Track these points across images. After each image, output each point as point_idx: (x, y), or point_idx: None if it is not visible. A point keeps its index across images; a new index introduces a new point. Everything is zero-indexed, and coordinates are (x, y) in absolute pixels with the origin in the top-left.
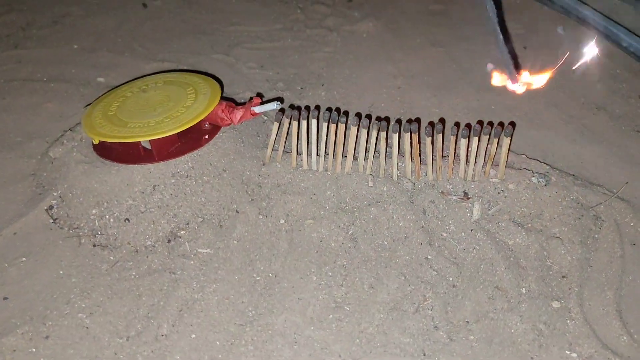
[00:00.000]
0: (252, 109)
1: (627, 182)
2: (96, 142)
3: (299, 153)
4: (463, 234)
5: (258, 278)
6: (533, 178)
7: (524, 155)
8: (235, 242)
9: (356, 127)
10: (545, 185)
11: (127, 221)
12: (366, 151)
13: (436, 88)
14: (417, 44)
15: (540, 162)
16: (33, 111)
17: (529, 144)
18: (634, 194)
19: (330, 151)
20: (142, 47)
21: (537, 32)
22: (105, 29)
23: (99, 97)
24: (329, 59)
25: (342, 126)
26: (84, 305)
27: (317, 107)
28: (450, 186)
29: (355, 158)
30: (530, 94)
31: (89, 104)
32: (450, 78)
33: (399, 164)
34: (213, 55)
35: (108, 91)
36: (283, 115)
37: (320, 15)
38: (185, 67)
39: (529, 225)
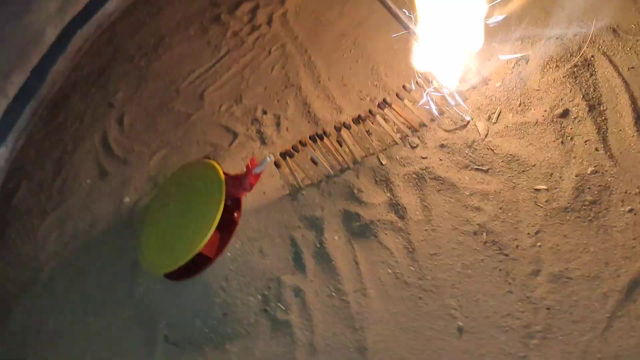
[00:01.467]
0: (253, 172)
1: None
2: (162, 275)
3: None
4: (483, 155)
5: (347, 299)
6: (512, 66)
7: (494, 44)
8: (313, 278)
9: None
10: (527, 63)
11: (225, 315)
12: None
13: (386, 24)
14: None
15: (510, 41)
16: (98, 260)
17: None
18: (607, 14)
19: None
20: (136, 146)
21: None
22: (97, 150)
23: (137, 225)
24: (282, 54)
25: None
26: None
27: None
28: (449, 119)
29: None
30: None
31: (134, 243)
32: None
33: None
34: (192, 118)
35: (137, 224)
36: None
37: (250, 14)
38: (176, 143)
39: (532, 111)
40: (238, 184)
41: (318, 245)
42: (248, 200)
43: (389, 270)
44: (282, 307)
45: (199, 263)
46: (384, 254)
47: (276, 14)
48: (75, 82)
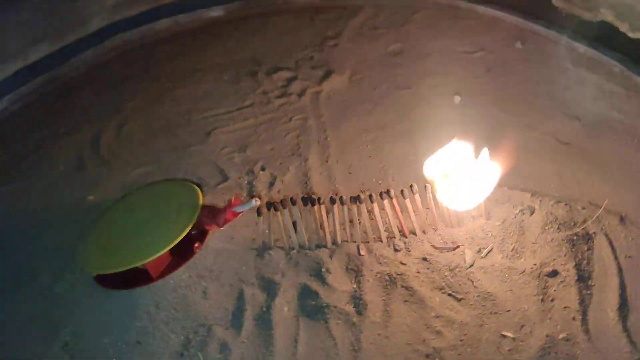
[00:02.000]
0: (233, 209)
1: (607, 198)
2: (93, 275)
3: (288, 236)
4: (460, 283)
5: None
6: (517, 211)
7: (505, 188)
8: (245, 339)
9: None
10: (531, 215)
11: (138, 344)
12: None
13: (408, 134)
14: (382, 91)
15: (521, 192)
16: (33, 244)
17: (506, 175)
18: (620, 203)
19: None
20: (124, 154)
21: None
22: (85, 144)
23: (92, 223)
24: (302, 126)
25: (322, 208)
26: None
27: (294, 198)
28: (440, 237)
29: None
30: (500, 120)
31: (83, 234)
32: (421, 120)
33: (385, 226)
34: (191, 148)
35: (98, 215)
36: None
37: (285, 82)
38: (165, 165)
39: (521, 260)
40: (212, 216)
41: (264, 309)
42: (214, 237)
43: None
44: (201, 358)
45: (137, 278)
46: (328, 343)
47: (310, 90)
48: (95, 77)
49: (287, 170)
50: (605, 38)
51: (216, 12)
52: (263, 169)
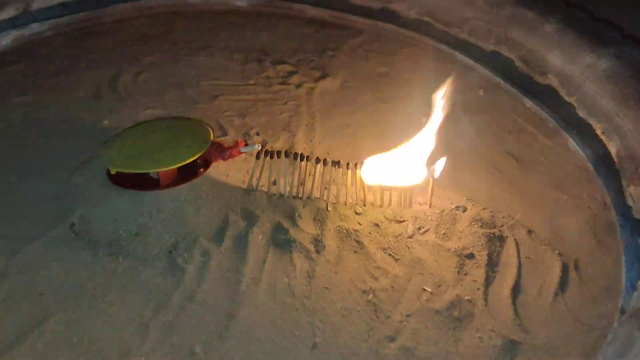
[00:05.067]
0: (239, 149)
1: (521, 213)
2: (113, 172)
3: (274, 183)
4: (400, 248)
5: (242, 279)
6: (453, 206)
7: (448, 190)
8: (223, 251)
9: (317, 165)
10: (463, 212)
11: (136, 235)
12: (326, 183)
13: (381, 136)
14: (366, 100)
15: (460, 196)
16: (51, 146)
17: (452, 182)
18: (529, 220)
19: (298, 184)
20: (138, 96)
21: None
22: (105, 80)
23: (115, 136)
24: (295, 110)
25: (308, 164)
26: (105, 299)
27: (288, 151)
28: (391, 211)
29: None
30: (454, 140)
31: (106, 141)
32: (392, 128)
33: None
34: (198, 105)
35: (120, 132)
36: (262, 156)
37: (286, 74)
38: (173, 112)
39: (449, 242)
40: (220, 150)
41: (243, 233)
42: (214, 171)
43: (286, 279)
44: (186, 257)
45: (148, 184)
46: (289, 268)
47: (307, 84)
48: (119, 29)
49: (277, 140)
50: (548, 99)
51: (241, 2)
52: (257, 134)
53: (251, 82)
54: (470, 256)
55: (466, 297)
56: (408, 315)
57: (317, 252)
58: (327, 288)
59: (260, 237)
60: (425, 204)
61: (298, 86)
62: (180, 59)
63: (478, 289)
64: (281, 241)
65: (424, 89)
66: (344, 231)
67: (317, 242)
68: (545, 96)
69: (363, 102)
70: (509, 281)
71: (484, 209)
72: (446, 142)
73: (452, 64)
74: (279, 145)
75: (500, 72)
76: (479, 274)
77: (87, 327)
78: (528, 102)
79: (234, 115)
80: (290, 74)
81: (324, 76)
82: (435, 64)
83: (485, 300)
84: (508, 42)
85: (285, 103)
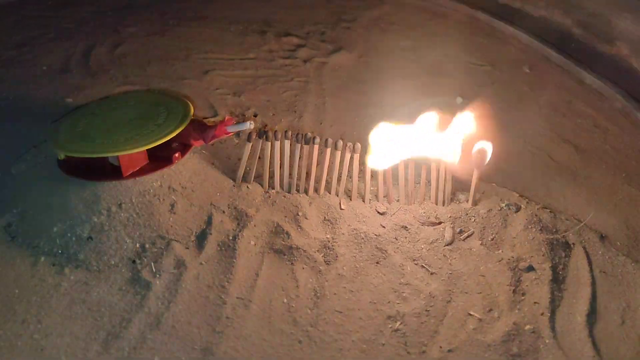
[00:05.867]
0: (226, 127)
1: (592, 213)
2: (61, 157)
3: (270, 176)
4: (435, 258)
5: (226, 300)
6: (503, 205)
7: (494, 184)
8: (203, 262)
9: (329, 149)
10: (516, 212)
11: (89, 239)
12: (339, 174)
13: (404, 118)
14: (388, 77)
15: (510, 191)
16: (4, 132)
17: (498, 174)
18: (600, 223)
19: (303, 174)
20: (113, 70)
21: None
22: (76, 52)
23: (67, 114)
24: (302, 87)
25: (315, 148)
26: (39, 326)
27: (289, 131)
28: (422, 211)
29: (327, 181)
30: (498, 126)
31: (56, 120)
32: (418, 109)
33: (371, 187)
34: (185, 81)
35: (76, 108)
36: (256, 136)
37: (293, 47)
38: (154, 88)
39: (500, 251)
40: (201, 130)
41: (230, 238)
42: (195, 155)
43: (285, 300)
44: (154, 269)
45: (105, 172)
46: (289, 284)
47: (317, 59)
48: None
49: (279, 122)
50: (615, 73)
51: None
52: (255, 115)
53: (250, 55)
54: (529, 269)
55: (527, 326)
56: (450, 351)
57: (327, 263)
58: (339, 312)
59: (252, 243)
60: (467, 201)
61: (306, 61)
62: (167, 29)
63: (542, 315)
64: (280, 248)
65: (455, 66)
66: (362, 235)
67: (327, 249)
68: (611, 69)
69: (383, 80)
70: (582, 304)
71: (542, 208)
72: (489, 128)
73: (490, 37)
74: (281, 128)
75: (551, 42)
76: (542, 293)
77: None
78: (588, 78)
79: (228, 93)
80: (297, 47)
81: (337, 49)
82: (469, 37)
83: (553, 330)
84: (563, 4)
85: (291, 80)
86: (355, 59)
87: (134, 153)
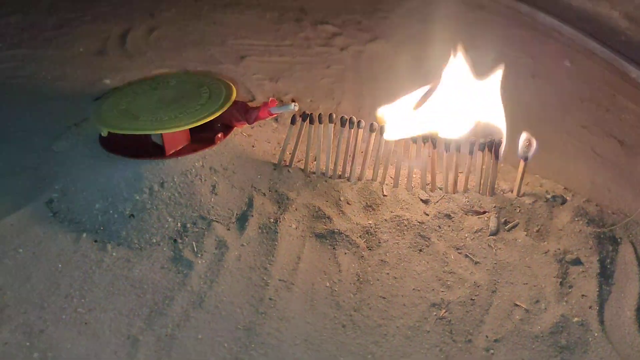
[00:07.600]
0: (269, 109)
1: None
2: (104, 133)
3: (313, 159)
4: (480, 247)
5: (269, 281)
6: (549, 196)
7: (538, 176)
8: (245, 243)
9: (373, 135)
10: (562, 204)
11: (131, 217)
12: (382, 160)
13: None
14: (429, 67)
15: (554, 182)
16: (36, 108)
17: (542, 166)
18: None
19: (346, 158)
20: (149, 53)
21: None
22: (112, 35)
23: (108, 92)
24: (339, 75)
25: (359, 132)
26: (83, 301)
27: (333, 114)
28: (466, 200)
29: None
30: (540, 119)
31: (98, 98)
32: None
33: (414, 174)
34: (221, 65)
35: (118, 87)
36: (299, 119)
37: (329, 35)
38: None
39: (546, 242)
40: (243, 111)
41: (271, 220)
42: (237, 137)
43: (327, 284)
44: (195, 248)
45: (148, 150)
46: (332, 268)
47: (354, 47)
48: None
49: (318, 109)
50: None
51: None
52: (293, 100)
53: (286, 42)
54: (576, 262)
55: (575, 319)
56: (496, 340)
57: (370, 248)
58: (383, 298)
59: (294, 226)
60: (512, 191)
61: (343, 49)
62: (202, 15)
63: (590, 308)
64: (322, 233)
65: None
66: (405, 222)
67: (370, 235)
68: None
69: (422, 69)
70: (631, 299)
71: (588, 201)
72: (532, 121)
73: (530, 29)
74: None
75: (595, 35)
76: (590, 286)
77: (54, 339)
78: (635, 72)
79: (265, 79)
80: (334, 35)
81: (374, 38)
82: (509, 30)
83: (602, 323)
84: None
85: (328, 67)
86: (392, 48)
87: (176, 132)
